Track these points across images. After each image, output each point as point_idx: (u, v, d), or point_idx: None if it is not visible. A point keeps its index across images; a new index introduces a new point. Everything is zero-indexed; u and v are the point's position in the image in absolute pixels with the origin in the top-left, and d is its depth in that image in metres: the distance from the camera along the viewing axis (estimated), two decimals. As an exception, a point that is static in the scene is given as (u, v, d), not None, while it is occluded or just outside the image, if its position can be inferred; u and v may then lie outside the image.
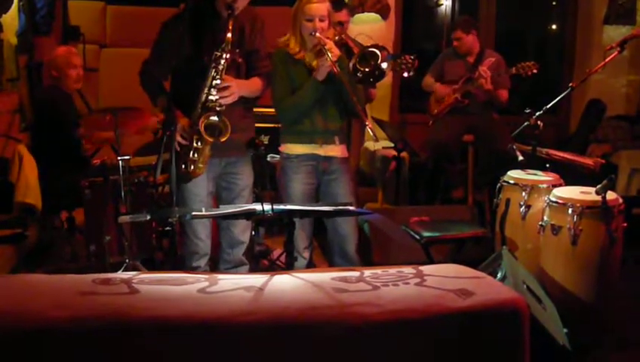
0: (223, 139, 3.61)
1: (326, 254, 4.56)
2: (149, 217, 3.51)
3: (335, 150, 4.06)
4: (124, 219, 3.78)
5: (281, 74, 3.96)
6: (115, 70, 7.29)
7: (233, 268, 3.97)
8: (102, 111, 4.72)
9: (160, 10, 6.81)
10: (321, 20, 3.86)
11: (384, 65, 3.79)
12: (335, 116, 4.02)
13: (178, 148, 3.65)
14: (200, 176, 3.72)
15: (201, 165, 3.68)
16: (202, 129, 3.57)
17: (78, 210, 4.88)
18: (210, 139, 3.60)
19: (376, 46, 3.85)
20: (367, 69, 3.82)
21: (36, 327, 2.33)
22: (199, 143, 3.62)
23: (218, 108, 3.61)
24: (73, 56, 5.21)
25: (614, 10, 7.39)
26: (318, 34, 3.82)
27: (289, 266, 3.16)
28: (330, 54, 3.75)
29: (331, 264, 4.25)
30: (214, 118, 3.61)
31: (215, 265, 4.08)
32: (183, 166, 3.66)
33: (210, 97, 3.60)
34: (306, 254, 4.11)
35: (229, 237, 3.96)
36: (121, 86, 6.43)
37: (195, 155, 3.65)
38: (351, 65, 3.83)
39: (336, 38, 3.99)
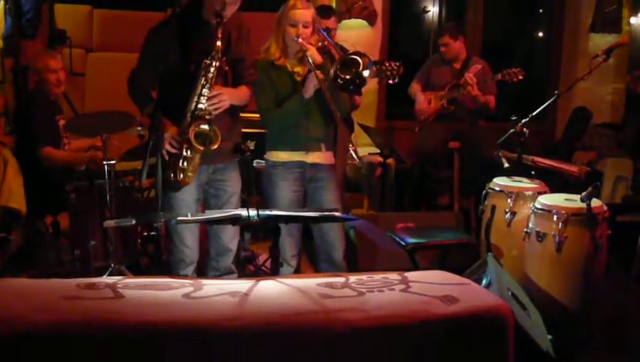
0: (214, 148, 3.60)
1: (312, 260, 4.56)
2: (134, 222, 3.49)
3: (321, 157, 4.05)
4: (110, 223, 3.77)
5: (264, 83, 3.95)
6: (102, 74, 7.27)
7: (221, 276, 3.95)
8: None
9: (147, 15, 6.88)
10: (305, 26, 3.86)
11: (365, 72, 3.77)
12: (320, 123, 4.01)
13: (167, 157, 3.62)
14: None
15: (190, 173, 3.66)
16: (192, 137, 3.56)
17: (63, 215, 4.86)
18: (201, 148, 3.58)
19: (357, 53, 3.84)
20: (348, 76, 3.79)
21: (20, 332, 2.31)
22: (189, 152, 3.60)
23: (208, 117, 3.60)
24: (51, 60, 5.13)
25: (600, 18, 7.44)
26: (300, 39, 3.82)
27: (274, 272, 3.16)
28: (311, 60, 3.76)
29: (317, 270, 4.24)
30: (204, 127, 3.59)
31: (202, 273, 4.06)
32: (172, 175, 3.64)
33: (200, 105, 3.59)
34: (294, 262, 4.10)
35: (218, 244, 3.95)
36: (108, 90, 6.42)
37: (185, 164, 3.62)
38: (332, 72, 3.81)
39: (319, 44, 3.99)
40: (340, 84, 3.79)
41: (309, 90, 3.85)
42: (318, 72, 3.75)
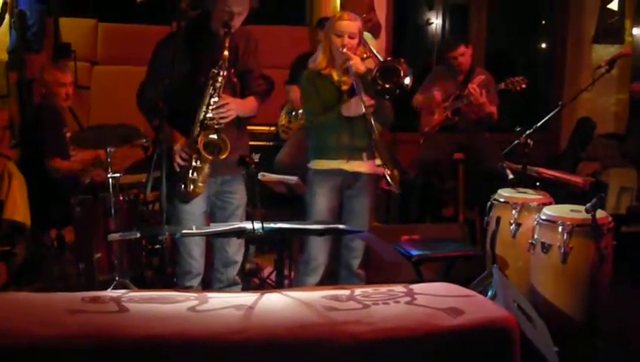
0: (223, 157, 3.61)
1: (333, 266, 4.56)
2: (138, 235, 3.50)
3: (362, 166, 4.09)
4: (114, 236, 3.77)
5: (310, 92, 4.05)
6: (107, 88, 7.30)
7: (226, 287, 3.96)
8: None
9: (151, 28, 6.90)
10: (351, 37, 3.95)
11: (407, 80, 3.81)
12: (362, 133, 4.02)
13: (178, 168, 3.64)
14: None
15: (201, 184, 3.66)
16: (201, 147, 3.56)
17: (68, 228, 4.86)
18: (210, 157, 3.59)
19: (396, 60, 3.88)
20: (387, 85, 3.84)
21: (24, 345, 2.30)
22: (198, 162, 3.61)
23: (217, 127, 3.61)
24: (62, 74, 5.13)
25: (603, 29, 7.45)
26: (345, 50, 3.87)
27: (279, 284, 3.15)
28: (354, 70, 3.83)
29: (337, 278, 4.27)
30: (213, 136, 3.60)
31: (207, 285, 4.06)
32: (183, 186, 3.65)
33: (209, 115, 3.59)
34: (323, 267, 4.13)
35: (223, 256, 3.95)
36: (113, 103, 6.44)
37: (195, 174, 3.63)
38: (370, 78, 3.86)
39: (365, 56, 4.04)
40: (380, 90, 3.82)
41: (349, 112, 3.91)
42: (366, 97, 3.78)
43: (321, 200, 4.06)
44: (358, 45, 4.02)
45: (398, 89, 3.83)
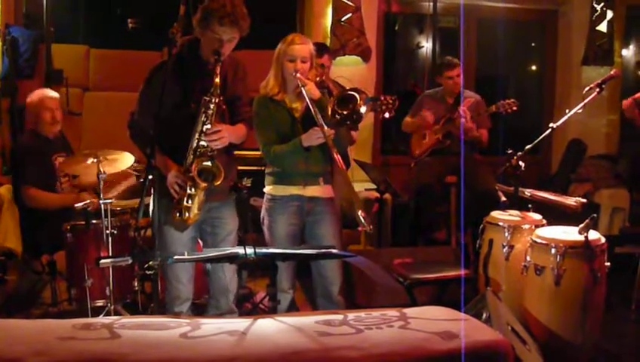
0: (217, 184, 3.60)
1: (309, 296, 4.54)
2: (130, 261, 3.47)
3: (319, 191, 4.05)
4: (106, 262, 3.74)
5: (264, 118, 3.97)
6: (99, 114, 7.29)
7: (222, 315, 3.93)
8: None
9: (143, 54, 6.94)
10: (303, 62, 3.90)
11: (362, 109, 3.79)
12: (319, 159, 4.01)
13: (176, 196, 3.63)
14: None
15: (196, 211, 3.65)
16: (196, 175, 3.56)
17: (59, 254, 4.83)
18: (205, 184, 3.58)
19: (355, 89, 3.87)
20: (345, 112, 3.82)
21: (15, 375, 2.29)
22: (193, 189, 3.61)
23: (210, 154, 3.61)
24: (48, 98, 5.02)
25: (592, 51, 7.52)
26: (298, 74, 3.84)
27: (272, 309, 3.14)
28: (308, 96, 3.78)
29: (314, 306, 4.22)
30: (207, 163, 3.60)
31: (201, 312, 4.03)
32: (178, 214, 3.64)
33: (202, 143, 3.59)
34: (291, 292, 4.08)
35: (219, 284, 3.93)
36: (105, 129, 6.45)
37: (190, 202, 3.63)
38: (329, 107, 3.85)
39: (318, 79, 4.01)
40: (338, 119, 3.81)
41: (310, 142, 3.85)
42: (326, 128, 3.74)
43: (281, 227, 4.02)
44: (310, 69, 3.98)
45: (354, 115, 3.81)
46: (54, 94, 5.12)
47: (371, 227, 3.76)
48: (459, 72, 6.09)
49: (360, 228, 4.20)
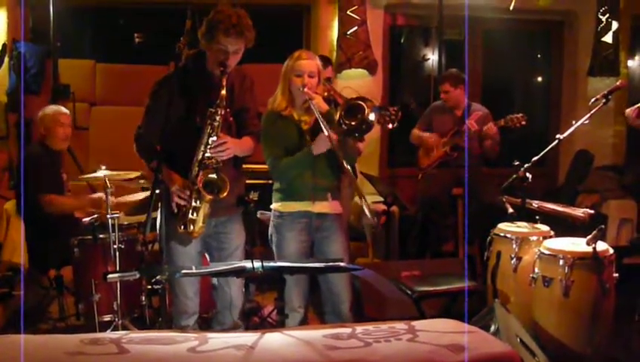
0: (222, 196, 3.60)
1: (319, 311, 4.52)
2: (138, 275, 3.47)
3: (327, 207, 4.03)
4: (113, 277, 3.74)
5: (272, 134, 3.96)
6: (105, 128, 7.31)
7: (228, 329, 3.91)
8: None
9: (149, 69, 6.95)
10: (311, 76, 3.91)
11: (371, 117, 3.80)
12: (327, 173, 4.00)
13: (176, 210, 3.63)
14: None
15: (201, 224, 3.65)
16: (201, 187, 3.56)
17: (66, 268, 4.84)
18: (210, 197, 3.58)
19: (361, 98, 3.87)
20: (353, 122, 3.82)
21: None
22: (198, 202, 3.61)
23: (215, 166, 3.60)
24: (62, 114, 5.08)
25: (598, 62, 7.50)
26: (306, 89, 3.85)
27: (280, 323, 3.13)
28: (317, 109, 3.78)
29: (324, 321, 4.20)
30: (213, 176, 3.60)
31: (208, 326, 4.01)
32: (183, 226, 3.64)
33: (207, 155, 3.59)
34: (301, 310, 4.06)
35: (225, 299, 3.92)
36: (112, 144, 6.45)
37: (195, 214, 3.62)
38: (337, 117, 3.85)
39: (325, 94, 4.02)
40: (345, 130, 3.81)
41: (320, 149, 3.86)
42: (331, 133, 3.75)
43: (290, 244, 3.99)
44: (318, 83, 3.99)
45: (364, 124, 3.82)
46: (66, 111, 5.16)
47: (376, 220, 3.76)
48: (447, 87, 6.13)
49: (366, 222, 4.16)
